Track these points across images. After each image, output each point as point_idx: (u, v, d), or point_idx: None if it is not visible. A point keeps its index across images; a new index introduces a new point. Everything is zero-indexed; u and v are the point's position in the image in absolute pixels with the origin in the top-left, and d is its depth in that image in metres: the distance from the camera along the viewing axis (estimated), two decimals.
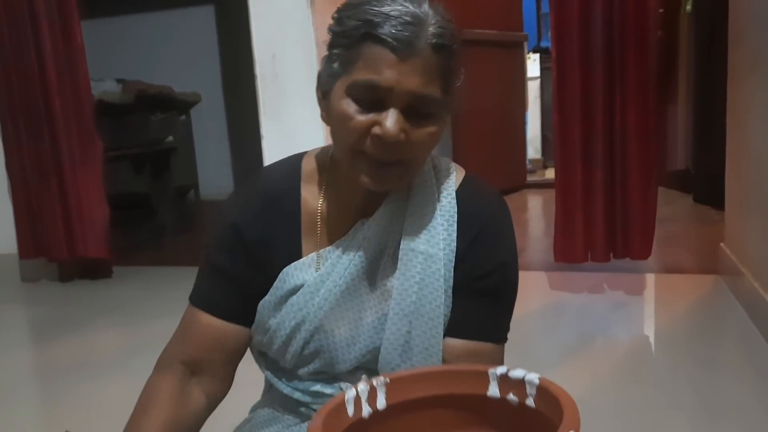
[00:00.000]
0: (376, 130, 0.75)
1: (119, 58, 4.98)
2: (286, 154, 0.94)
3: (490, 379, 0.62)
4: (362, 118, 0.76)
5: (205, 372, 0.88)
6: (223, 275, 0.87)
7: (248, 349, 0.93)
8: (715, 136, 3.24)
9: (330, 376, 0.89)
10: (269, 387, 0.97)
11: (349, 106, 0.76)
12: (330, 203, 0.87)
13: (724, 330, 2.15)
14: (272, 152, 2.66)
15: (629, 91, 2.43)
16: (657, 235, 2.56)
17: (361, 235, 0.85)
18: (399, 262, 0.84)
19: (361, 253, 0.84)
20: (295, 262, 0.86)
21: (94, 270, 3.11)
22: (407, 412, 0.65)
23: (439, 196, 0.86)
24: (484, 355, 0.86)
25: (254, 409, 1.01)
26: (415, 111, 0.76)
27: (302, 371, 0.88)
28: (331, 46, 0.79)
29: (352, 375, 0.88)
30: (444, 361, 0.86)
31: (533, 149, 6.44)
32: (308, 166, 0.90)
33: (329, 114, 0.80)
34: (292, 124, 2.65)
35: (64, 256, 3.00)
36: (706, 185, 3.87)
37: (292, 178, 0.89)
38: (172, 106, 4.55)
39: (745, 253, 2.29)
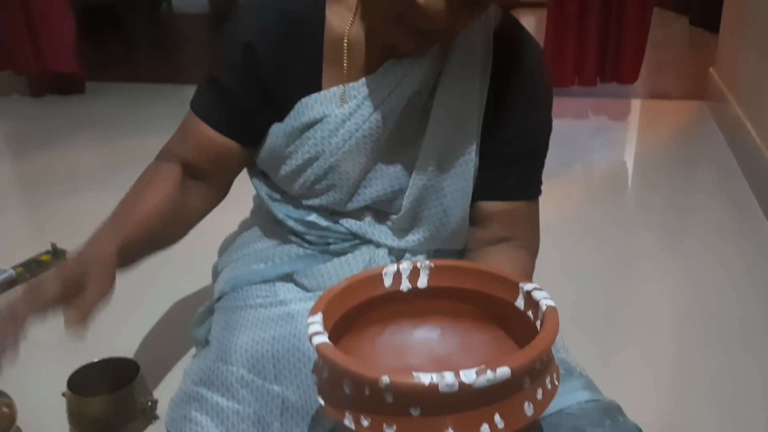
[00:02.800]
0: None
1: None
2: None
3: (520, 291, 0.62)
4: None
5: (201, 178, 0.85)
6: (228, 94, 0.81)
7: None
8: None
9: (331, 211, 0.86)
10: (258, 207, 0.95)
11: None
12: (359, 32, 0.78)
13: (700, 156, 2.19)
14: None
15: None
16: (647, 59, 2.50)
17: (394, 77, 0.76)
18: (432, 114, 0.78)
19: (391, 97, 0.77)
20: (315, 94, 0.79)
21: (66, 85, 2.99)
22: (443, 298, 0.67)
23: (480, 42, 0.77)
24: (517, 213, 0.84)
25: (243, 224, 1.01)
26: None
27: (307, 202, 0.85)
28: None
29: (358, 214, 0.85)
30: (477, 221, 0.84)
31: None
32: None
33: None
34: None
35: (32, 69, 2.87)
36: (704, 6, 3.72)
37: None
38: None
39: (734, 78, 2.26)
